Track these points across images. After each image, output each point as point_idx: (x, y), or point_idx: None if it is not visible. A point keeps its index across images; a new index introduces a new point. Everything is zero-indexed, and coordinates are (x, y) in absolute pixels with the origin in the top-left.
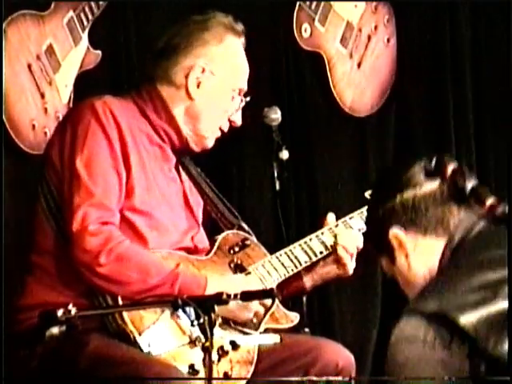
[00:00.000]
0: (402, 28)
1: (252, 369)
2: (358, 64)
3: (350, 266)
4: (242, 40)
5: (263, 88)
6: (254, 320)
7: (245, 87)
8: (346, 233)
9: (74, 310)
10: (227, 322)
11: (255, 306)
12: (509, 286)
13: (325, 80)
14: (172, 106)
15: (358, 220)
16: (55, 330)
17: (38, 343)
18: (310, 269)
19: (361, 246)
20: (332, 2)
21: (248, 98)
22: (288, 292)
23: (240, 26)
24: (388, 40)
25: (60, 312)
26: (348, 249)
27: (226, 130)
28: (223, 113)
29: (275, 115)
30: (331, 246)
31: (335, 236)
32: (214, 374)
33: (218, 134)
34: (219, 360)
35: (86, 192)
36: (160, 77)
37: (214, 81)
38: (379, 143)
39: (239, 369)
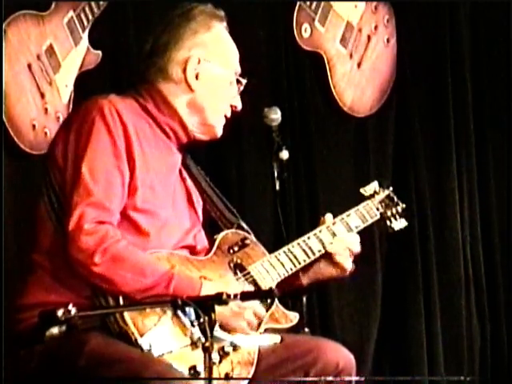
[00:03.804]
0: (401, 28)
1: (253, 369)
2: (358, 64)
3: (347, 265)
4: (225, 24)
5: (263, 88)
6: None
7: (239, 70)
8: (337, 236)
9: (73, 310)
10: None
11: (248, 314)
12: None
13: (325, 80)
14: (173, 100)
15: (354, 217)
16: (55, 330)
17: (37, 343)
18: (306, 269)
19: (354, 248)
20: (332, 2)
21: (245, 80)
22: (285, 291)
23: (221, 12)
24: (388, 40)
25: (60, 312)
26: (337, 250)
27: (228, 115)
28: (226, 98)
29: (275, 115)
30: (325, 250)
31: (322, 243)
32: (215, 375)
33: (224, 120)
34: (220, 361)
35: (85, 191)
36: (156, 75)
37: (211, 69)
38: (379, 143)
39: (240, 369)
